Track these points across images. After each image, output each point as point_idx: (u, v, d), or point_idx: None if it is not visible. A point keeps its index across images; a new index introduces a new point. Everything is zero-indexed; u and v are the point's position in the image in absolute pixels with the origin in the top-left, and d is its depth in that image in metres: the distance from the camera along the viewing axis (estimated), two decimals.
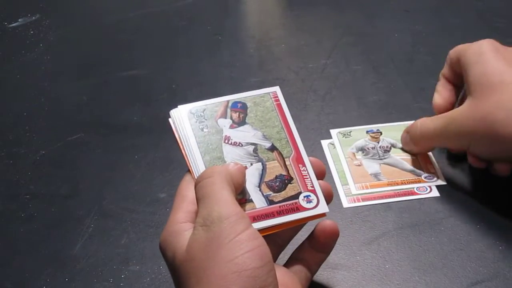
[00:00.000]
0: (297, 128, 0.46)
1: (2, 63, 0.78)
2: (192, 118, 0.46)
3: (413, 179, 0.56)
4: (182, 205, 0.41)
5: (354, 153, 0.59)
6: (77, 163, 0.62)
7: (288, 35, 0.81)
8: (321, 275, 0.47)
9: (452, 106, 0.56)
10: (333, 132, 0.61)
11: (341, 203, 0.54)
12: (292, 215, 0.42)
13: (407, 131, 0.57)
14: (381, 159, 0.58)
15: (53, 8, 0.90)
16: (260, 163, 0.44)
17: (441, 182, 0.55)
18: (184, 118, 0.46)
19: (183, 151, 0.45)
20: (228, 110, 0.46)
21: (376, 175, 0.56)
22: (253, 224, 0.41)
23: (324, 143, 0.60)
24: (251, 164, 0.44)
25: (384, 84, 0.69)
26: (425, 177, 0.56)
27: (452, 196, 0.54)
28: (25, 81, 0.75)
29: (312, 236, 0.44)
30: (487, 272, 0.47)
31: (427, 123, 0.54)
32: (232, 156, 0.44)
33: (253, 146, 0.45)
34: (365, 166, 0.57)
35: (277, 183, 0.44)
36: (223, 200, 0.38)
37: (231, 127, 0.46)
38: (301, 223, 0.44)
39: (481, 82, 0.49)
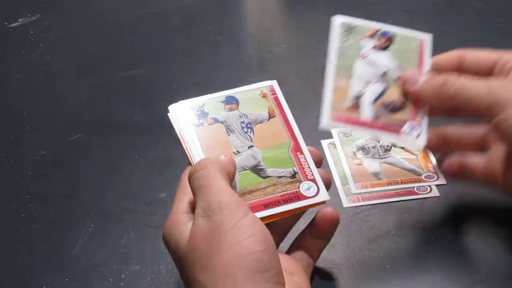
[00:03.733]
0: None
1: (2, 63, 0.78)
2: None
3: (413, 178, 0.56)
4: (184, 196, 0.42)
5: (354, 152, 0.59)
6: (77, 163, 0.62)
7: (288, 35, 0.81)
8: (321, 275, 0.47)
9: None
10: (334, 131, 0.61)
11: (341, 203, 0.54)
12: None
13: (427, 78, 0.47)
14: (381, 158, 0.58)
15: (53, 8, 0.90)
16: (383, 85, 0.48)
17: (441, 182, 0.55)
18: (183, 113, 0.47)
19: (183, 145, 0.46)
20: (378, 34, 0.50)
21: (376, 174, 0.56)
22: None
23: (325, 143, 0.60)
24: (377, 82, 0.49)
25: None
26: (425, 177, 0.56)
27: (452, 196, 0.54)
28: (25, 81, 0.75)
29: (312, 223, 0.45)
30: (487, 272, 0.47)
31: (469, 78, 0.46)
32: (362, 74, 0.48)
33: (383, 71, 0.48)
34: (366, 165, 0.57)
35: (391, 106, 0.48)
36: (220, 189, 0.38)
37: (375, 47, 0.49)
38: (301, 210, 0.45)
39: None
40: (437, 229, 0.51)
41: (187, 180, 0.42)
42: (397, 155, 0.58)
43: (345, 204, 0.54)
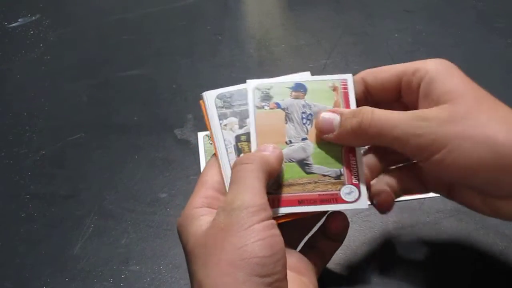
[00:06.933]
0: None
1: (2, 63, 0.78)
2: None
3: None
4: (201, 190, 0.41)
5: None
6: (77, 163, 0.62)
7: (288, 35, 0.81)
8: (321, 275, 0.47)
9: None
10: None
11: None
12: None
13: (353, 115, 0.42)
14: None
15: (53, 8, 0.90)
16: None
17: None
18: (214, 102, 0.45)
19: (211, 134, 0.44)
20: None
21: None
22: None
23: None
24: None
25: None
26: None
27: None
28: (25, 81, 0.75)
29: (324, 226, 0.45)
30: (487, 272, 0.47)
31: (386, 113, 0.41)
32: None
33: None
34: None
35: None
36: (251, 189, 0.38)
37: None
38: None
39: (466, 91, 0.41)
40: (437, 229, 0.51)
41: (207, 173, 0.42)
42: None
43: None
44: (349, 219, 0.52)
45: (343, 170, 0.43)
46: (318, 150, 0.44)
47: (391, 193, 0.44)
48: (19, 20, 0.87)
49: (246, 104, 0.45)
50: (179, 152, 0.62)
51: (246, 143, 0.44)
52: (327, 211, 0.45)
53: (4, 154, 0.63)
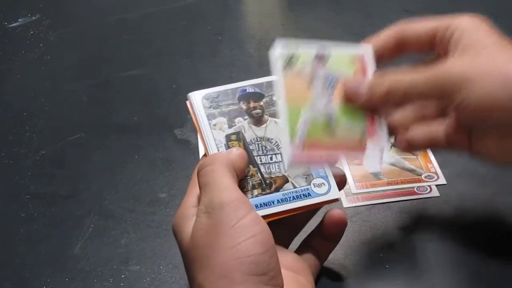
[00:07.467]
0: None
1: (2, 63, 0.78)
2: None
3: (413, 178, 0.56)
4: (194, 189, 0.41)
5: None
6: (77, 163, 0.62)
7: (288, 35, 0.81)
8: (320, 275, 0.47)
9: None
10: None
11: (341, 202, 0.54)
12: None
13: (380, 82, 0.44)
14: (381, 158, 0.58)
15: (53, 8, 0.90)
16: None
17: (441, 182, 0.55)
18: (201, 103, 0.46)
19: (200, 134, 0.45)
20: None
21: (376, 174, 0.56)
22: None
23: None
24: None
25: None
26: (425, 177, 0.56)
27: (452, 196, 0.54)
28: (25, 81, 0.75)
29: (320, 225, 0.45)
30: (487, 272, 0.47)
31: (409, 73, 0.43)
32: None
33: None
34: (365, 165, 0.57)
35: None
36: (223, 186, 0.38)
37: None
38: (314, 208, 0.44)
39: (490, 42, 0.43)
40: (437, 229, 0.51)
41: None
42: (397, 155, 0.58)
43: (345, 204, 0.54)
44: (349, 219, 0.52)
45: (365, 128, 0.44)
46: (342, 115, 0.44)
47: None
48: (19, 20, 0.87)
49: (233, 104, 0.46)
50: (179, 152, 0.62)
51: (236, 142, 0.44)
52: (317, 209, 0.45)
53: (4, 154, 0.63)
